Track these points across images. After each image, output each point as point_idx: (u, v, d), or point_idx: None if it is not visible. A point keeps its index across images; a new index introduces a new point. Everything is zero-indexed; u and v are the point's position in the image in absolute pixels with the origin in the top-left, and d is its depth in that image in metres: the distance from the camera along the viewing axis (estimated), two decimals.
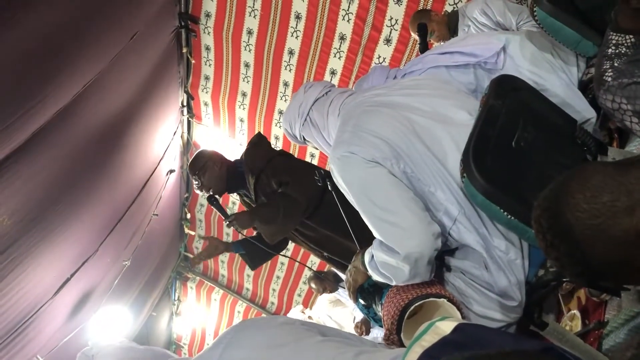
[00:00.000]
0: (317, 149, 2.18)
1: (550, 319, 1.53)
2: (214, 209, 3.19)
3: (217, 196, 3.11)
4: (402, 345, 1.51)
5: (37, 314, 3.59)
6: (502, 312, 1.57)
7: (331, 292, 4.81)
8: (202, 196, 5.76)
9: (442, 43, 3.08)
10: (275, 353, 0.99)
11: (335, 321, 4.87)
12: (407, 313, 1.53)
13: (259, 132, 3.29)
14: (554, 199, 0.99)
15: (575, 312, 1.54)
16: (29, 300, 3.43)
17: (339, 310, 4.89)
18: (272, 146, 3.16)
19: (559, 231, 0.98)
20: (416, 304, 1.53)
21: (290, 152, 3.85)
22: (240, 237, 3.23)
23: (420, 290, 1.57)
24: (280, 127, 4.64)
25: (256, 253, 3.23)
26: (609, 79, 1.49)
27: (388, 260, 1.59)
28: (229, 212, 3.30)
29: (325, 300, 4.96)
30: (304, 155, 4.86)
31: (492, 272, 1.57)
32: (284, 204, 2.77)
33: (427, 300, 1.54)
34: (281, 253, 3.39)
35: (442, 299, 1.53)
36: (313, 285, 4.90)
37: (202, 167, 3.04)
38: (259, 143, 3.11)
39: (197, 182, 3.10)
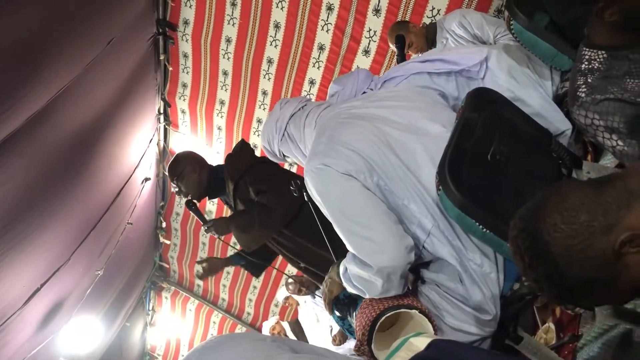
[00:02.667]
0: (297, 164, 2.15)
1: (525, 333, 1.53)
2: (192, 215, 3.14)
3: (195, 201, 3.07)
4: (372, 356, 1.51)
5: (5, 324, 3.50)
6: (477, 325, 1.56)
7: (306, 292, 4.80)
8: (178, 203, 5.72)
9: (419, 55, 3.09)
10: None
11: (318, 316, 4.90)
12: (379, 324, 1.52)
13: (243, 139, 3.24)
14: (531, 219, 0.98)
15: (550, 324, 1.55)
16: None
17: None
18: (255, 154, 3.11)
19: (536, 252, 0.96)
20: (388, 315, 1.52)
21: None
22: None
23: (393, 301, 1.57)
24: (258, 135, 4.62)
25: (254, 261, 3.22)
26: (583, 95, 1.50)
27: (361, 274, 1.58)
28: (207, 218, 3.24)
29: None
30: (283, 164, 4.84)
31: (467, 285, 1.57)
32: (260, 214, 2.73)
33: (398, 311, 1.53)
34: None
35: (413, 311, 1.53)
36: (290, 287, 4.88)
37: (181, 173, 3.00)
38: (241, 150, 3.05)
39: (175, 187, 3.05)
